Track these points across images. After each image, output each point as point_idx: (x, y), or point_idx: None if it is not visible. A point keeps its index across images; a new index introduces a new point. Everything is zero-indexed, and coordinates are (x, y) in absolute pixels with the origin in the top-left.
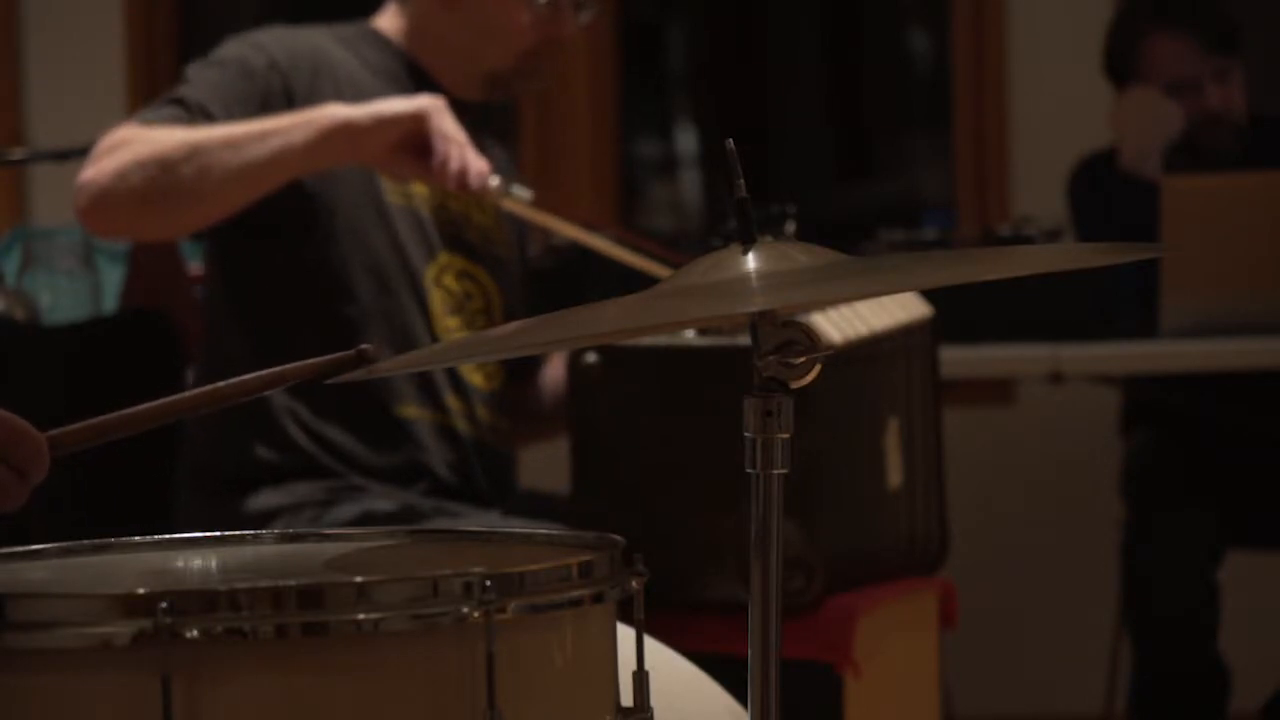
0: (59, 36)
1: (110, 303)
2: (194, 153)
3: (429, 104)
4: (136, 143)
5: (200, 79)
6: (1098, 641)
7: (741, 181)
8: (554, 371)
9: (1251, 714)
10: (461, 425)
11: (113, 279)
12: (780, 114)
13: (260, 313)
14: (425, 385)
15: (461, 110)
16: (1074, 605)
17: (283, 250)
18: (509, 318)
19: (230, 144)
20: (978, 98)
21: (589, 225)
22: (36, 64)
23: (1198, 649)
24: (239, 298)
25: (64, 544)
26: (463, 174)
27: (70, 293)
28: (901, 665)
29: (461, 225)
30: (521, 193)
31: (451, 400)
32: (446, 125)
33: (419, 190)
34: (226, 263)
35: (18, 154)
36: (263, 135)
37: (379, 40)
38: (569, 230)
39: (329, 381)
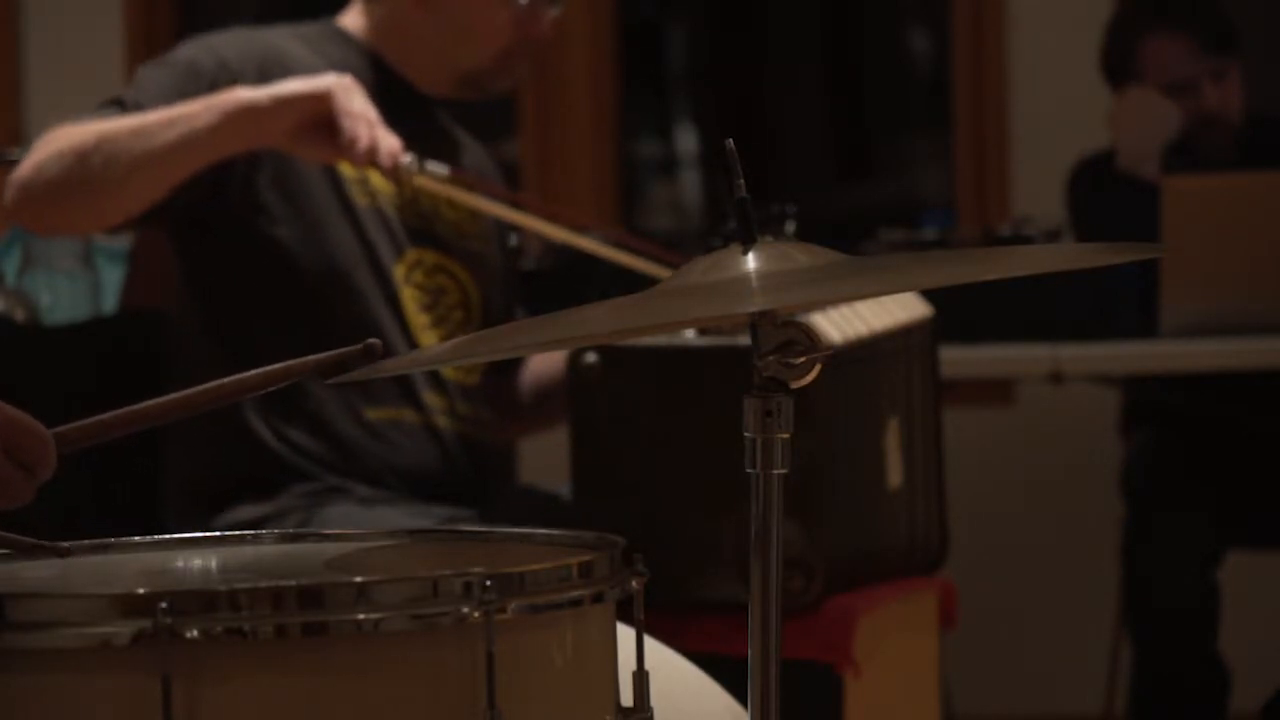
0: (59, 35)
1: (110, 303)
2: (103, 142)
3: (334, 82)
4: (59, 138)
5: (146, 79)
6: (1098, 641)
7: (741, 181)
8: (536, 365)
9: (1251, 714)
10: (443, 422)
11: (113, 279)
12: (780, 114)
13: (229, 321)
14: (403, 385)
15: (432, 108)
16: (1074, 605)
17: (249, 258)
18: (487, 311)
19: (138, 132)
20: (978, 98)
21: (515, 203)
22: (36, 63)
23: (1198, 649)
24: (207, 306)
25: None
26: (372, 151)
27: (70, 293)
28: (901, 665)
29: (431, 220)
30: (436, 169)
31: (431, 398)
32: (354, 103)
33: (383, 188)
34: (192, 273)
35: (18, 154)
36: (169, 122)
37: (343, 38)
38: (490, 208)
39: (329, 381)
